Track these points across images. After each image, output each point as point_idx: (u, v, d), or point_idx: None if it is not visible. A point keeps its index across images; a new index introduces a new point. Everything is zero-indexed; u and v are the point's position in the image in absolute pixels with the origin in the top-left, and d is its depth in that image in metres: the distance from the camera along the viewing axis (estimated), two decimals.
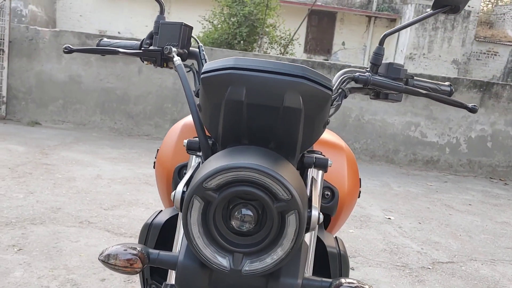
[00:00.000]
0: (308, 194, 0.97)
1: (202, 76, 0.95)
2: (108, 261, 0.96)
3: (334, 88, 1.20)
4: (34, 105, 6.72)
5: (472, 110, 1.29)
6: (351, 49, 17.47)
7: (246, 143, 0.98)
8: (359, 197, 1.41)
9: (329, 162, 1.05)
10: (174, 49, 1.22)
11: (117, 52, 1.36)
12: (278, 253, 0.85)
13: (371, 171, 6.22)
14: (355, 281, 0.90)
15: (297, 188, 0.85)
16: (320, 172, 1.08)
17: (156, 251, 0.97)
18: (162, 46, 1.32)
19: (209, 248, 0.87)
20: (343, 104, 6.56)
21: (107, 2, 15.82)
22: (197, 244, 0.87)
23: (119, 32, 15.51)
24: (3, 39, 6.61)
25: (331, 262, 1.15)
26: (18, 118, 6.77)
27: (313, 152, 1.08)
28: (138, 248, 0.96)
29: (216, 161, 0.86)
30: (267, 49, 10.95)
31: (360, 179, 1.40)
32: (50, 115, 6.74)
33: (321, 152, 1.09)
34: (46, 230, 3.20)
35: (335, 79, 1.24)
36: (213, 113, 0.97)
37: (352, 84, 1.27)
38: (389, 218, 4.36)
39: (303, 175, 1.07)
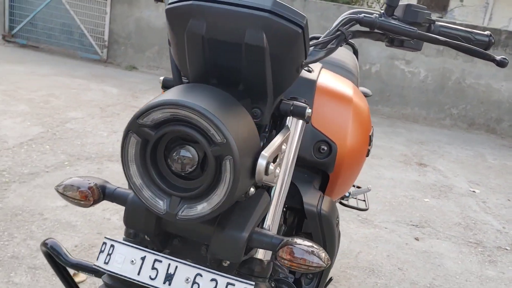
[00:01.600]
0: (278, 143, 0.89)
1: (166, 7, 0.89)
2: (64, 192, 0.96)
3: (331, 29, 1.08)
4: (133, 50, 7.06)
5: (501, 64, 1.07)
6: (471, 6, 15.96)
7: (215, 83, 0.91)
8: (367, 155, 1.27)
9: (307, 110, 0.95)
10: None
11: None
12: (214, 200, 0.79)
13: (466, 140, 5.75)
14: (311, 243, 0.82)
15: (236, 132, 0.77)
16: (300, 121, 0.98)
17: (114, 187, 0.95)
18: None
19: (149, 188, 0.83)
20: (442, 65, 6.07)
21: None
22: (135, 183, 0.83)
23: None
24: None
25: (309, 221, 1.06)
26: (117, 62, 7.17)
27: (295, 99, 0.98)
28: (95, 182, 0.95)
29: (161, 97, 0.80)
30: (368, 3, 10.32)
31: (370, 136, 1.26)
32: (146, 61, 7.05)
33: (306, 100, 0.99)
34: (119, 168, 3.39)
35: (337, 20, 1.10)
36: (178, 48, 0.92)
37: (358, 27, 1.12)
38: (473, 191, 4.01)
39: (281, 124, 0.98)
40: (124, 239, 0.99)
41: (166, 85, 1.02)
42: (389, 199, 3.54)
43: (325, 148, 1.13)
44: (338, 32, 1.07)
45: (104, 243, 0.94)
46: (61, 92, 5.08)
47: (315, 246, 0.83)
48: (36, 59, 6.51)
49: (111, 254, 0.93)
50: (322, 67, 1.30)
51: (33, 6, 6.95)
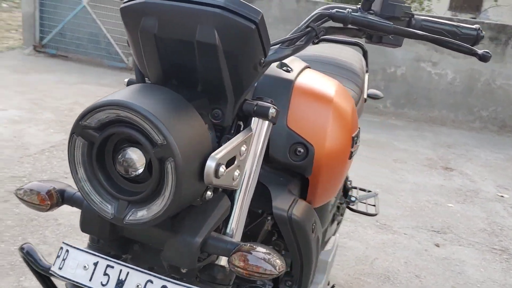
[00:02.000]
0: (234, 145, 0.86)
1: (120, 6, 0.87)
2: (23, 197, 0.96)
3: (300, 25, 1.03)
4: None
5: (483, 58, 1.00)
6: (505, 6, 15.49)
7: (174, 84, 0.89)
8: (350, 158, 1.21)
9: (271, 110, 0.91)
10: None
11: None
12: (159, 204, 0.77)
13: (496, 143, 5.55)
14: (267, 250, 0.78)
15: (179, 133, 0.75)
16: (266, 122, 0.94)
17: (74, 191, 0.94)
18: None
19: (97, 192, 0.81)
20: (470, 66, 5.89)
21: None
22: (83, 187, 0.81)
23: None
24: None
25: (279, 226, 1.03)
26: None
27: (260, 99, 0.95)
28: (54, 186, 0.94)
29: (105, 98, 0.79)
30: None
31: (354, 138, 1.21)
32: None
33: (272, 101, 0.95)
34: None
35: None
36: (136, 48, 0.91)
37: (332, 23, 1.06)
38: (501, 196, 3.86)
39: (246, 125, 0.95)
40: (88, 244, 0.98)
41: (131, 83, 1.01)
42: (411, 204, 3.44)
43: (302, 150, 1.08)
44: (308, 29, 1.01)
45: (61, 248, 0.93)
46: (86, 100, 5.17)
47: (271, 253, 0.80)
48: (64, 68, 6.66)
49: (65, 259, 0.91)
50: (306, 67, 1.26)
51: (61, 17, 7.13)
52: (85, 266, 0.89)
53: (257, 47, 0.86)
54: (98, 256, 0.89)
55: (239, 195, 0.92)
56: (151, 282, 0.84)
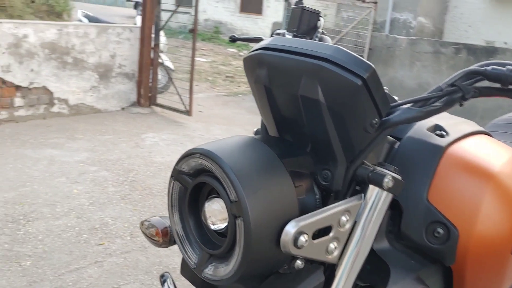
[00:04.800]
0: (329, 214, 0.77)
1: (244, 57, 0.89)
2: (144, 229, 1.02)
3: (443, 83, 0.84)
4: None
5: None
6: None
7: (289, 139, 0.88)
8: None
9: (386, 179, 0.80)
10: (280, 31, 1.15)
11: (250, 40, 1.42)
12: (232, 264, 0.74)
13: None
14: None
15: (255, 192, 0.71)
16: (385, 193, 0.83)
17: None
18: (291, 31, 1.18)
19: (187, 238, 0.83)
20: None
21: (499, 11, 13.43)
22: (177, 231, 0.84)
23: (505, 43, 12.82)
24: (364, 47, 7.21)
25: None
26: None
27: (382, 164, 0.84)
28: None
29: (199, 145, 0.82)
30: None
31: None
32: None
33: (395, 168, 0.83)
34: None
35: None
36: (254, 98, 0.92)
37: (487, 83, 0.86)
38: None
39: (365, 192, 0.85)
40: None
41: (257, 134, 1.05)
42: None
43: (442, 231, 0.90)
44: (453, 88, 0.82)
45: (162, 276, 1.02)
46: None
47: None
48: None
49: None
50: (478, 132, 1.06)
51: None
52: None
53: (366, 106, 0.78)
54: None
55: (338, 272, 0.82)
56: None
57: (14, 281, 2.51)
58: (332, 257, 0.80)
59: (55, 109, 5.44)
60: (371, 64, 0.77)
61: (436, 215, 0.91)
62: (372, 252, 0.92)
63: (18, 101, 5.11)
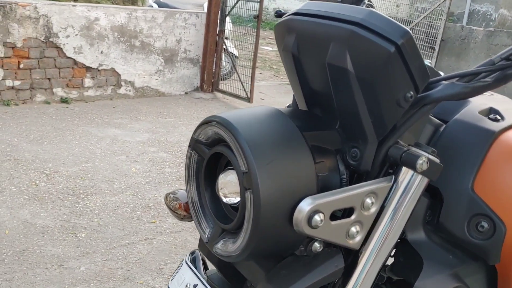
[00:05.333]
0: (351, 194, 0.70)
1: (275, 26, 0.85)
2: (168, 201, 0.99)
3: (494, 57, 0.74)
4: None
5: None
6: None
7: (318, 112, 0.83)
8: None
9: (420, 160, 0.71)
10: None
11: None
12: (240, 240, 0.70)
13: None
14: None
15: (267, 165, 0.66)
16: (419, 176, 0.74)
17: None
18: None
19: (202, 211, 0.80)
20: None
21: None
22: (193, 203, 0.81)
23: None
24: (436, 38, 6.96)
25: None
26: None
27: (419, 145, 0.76)
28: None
29: (217, 114, 0.77)
30: None
31: None
32: None
33: (433, 150, 0.74)
34: None
35: None
36: (284, 68, 0.86)
37: None
38: None
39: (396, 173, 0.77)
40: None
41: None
42: None
43: (486, 225, 0.81)
44: (508, 62, 0.72)
45: (182, 260, 0.98)
46: None
47: None
48: None
49: (177, 272, 0.95)
50: None
51: None
52: (187, 285, 0.90)
53: (399, 76, 0.70)
54: (200, 279, 0.88)
55: (361, 260, 0.76)
56: None
57: (69, 250, 2.62)
58: (353, 242, 0.73)
59: (121, 90, 5.63)
60: (408, 29, 0.69)
61: (481, 207, 0.81)
62: (406, 243, 0.84)
63: (87, 81, 5.34)
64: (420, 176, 0.75)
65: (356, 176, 0.79)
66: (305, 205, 0.66)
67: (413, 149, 0.75)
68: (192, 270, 0.90)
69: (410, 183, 0.75)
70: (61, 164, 3.67)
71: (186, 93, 6.20)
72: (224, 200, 0.74)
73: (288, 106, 0.98)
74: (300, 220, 0.66)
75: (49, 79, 5.07)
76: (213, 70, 6.25)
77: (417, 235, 0.85)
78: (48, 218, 2.91)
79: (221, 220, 0.76)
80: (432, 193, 0.84)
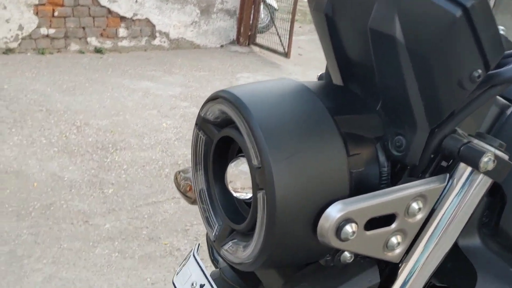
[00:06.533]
0: (395, 197, 0.56)
1: None
2: (179, 180, 0.93)
3: None
4: None
5: None
6: None
7: (355, 88, 0.67)
8: None
9: (485, 157, 0.56)
10: None
11: None
12: (252, 246, 0.57)
13: None
14: None
15: (285, 159, 0.52)
16: (481, 176, 0.59)
17: None
18: None
19: (210, 202, 0.67)
20: None
21: None
22: (201, 192, 0.69)
23: None
24: None
25: None
26: None
27: (482, 137, 0.60)
28: None
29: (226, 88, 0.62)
30: None
31: None
32: None
33: (501, 144, 0.59)
34: None
35: None
36: (316, 29, 0.70)
37: None
38: None
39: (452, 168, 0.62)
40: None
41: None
42: None
43: None
44: None
45: (189, 252, 0.88)
46: None
47: None
48: None
49: (183, 266, 0.85)
50: None
51: None
52: (193, 284, 0.80)
53: (466, 49, 0.53)
54: (207, 279, 0.78)
55: (401, 274, 0.61)
56: None
57: (95, 206, 2.59)
58: (392, 255, 0.59)
59: (156, 42, 5.50)
60: None
61: None
62: (455, 246, 0.69)
63: (122, 31, 5.23)
64: (482, 176, 0.59)
65: (398, 167, 0.64)
66: (334, 212, 0.52)
67: (476, 141, 0.59)
68: (200, 266, 0.78)
69: (469, 184, 0.60)
70: (92, 116, 3.63)
71: (221, 46, 6.02)
72: (234, 194, 0.61)
73: (320, 78, 0.81)
74: (326, 230, 0.52)
75: (83, 28, 4.99)
76: (250, 23, 6.01)
77: (470, 240, 0.70)
78: (76, 172, 2.88)
79: (232, 217, 0.63)
80: (491, 189, 0.67)
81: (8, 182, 2.67)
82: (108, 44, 5.18)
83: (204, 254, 0.92)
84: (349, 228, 0.52)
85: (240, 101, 0.55)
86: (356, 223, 0.53)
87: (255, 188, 0.54)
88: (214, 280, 0.86)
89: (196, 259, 0.80)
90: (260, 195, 0.53)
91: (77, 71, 4.51)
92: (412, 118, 0.59)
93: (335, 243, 0.53)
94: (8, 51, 4.63)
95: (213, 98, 0.61)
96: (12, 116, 3.44)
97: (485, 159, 0.56)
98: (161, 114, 3.85)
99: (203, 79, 4.79)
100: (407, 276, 0.61)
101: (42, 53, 4.78)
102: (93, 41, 5.09)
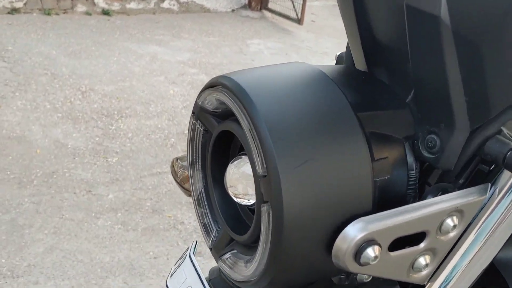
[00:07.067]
0: (427, 213, 0.47)
1: None
2: (176, 168, 0.89)
3: None
4: None
5: None
6: None
7: (382, 78, 0.56)
8: None
9: None
10: None
11: None
12: (254, 263, 0.48)
13: None
14: None
15: (296, 167, 0.43)
16: None
17: None
18: None
19: (208, 204, 0.59)
20: None
21: None
22: (196, 189, 0.60)
23: None
24: None
25: None
26: None
27: None
28: None
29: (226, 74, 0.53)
30: None
31: None
32: None
33: None
34: None
35: None
36: (338, 3, 0.61)
37: None
38: None
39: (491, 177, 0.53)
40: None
41: (339, 63, 0.71)
42: None
43: None
44: None
45: (185, 252, 0.80)
46: None
47: None
48: None
49: (178, 266, 0.77)
50: None
51: None
52: None
53: None
54: (203, 285, 0.70)
55: None
56: None
57: (99, 175, 2.53)
58: (418, 277, 0.50)
59: (165, 4, 5.34)
60: None
61: None
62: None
63: None
64: None
65: (425, 167, 0.54)
66: (354, 232, 0.43)
67: None
68: (196, 270, 0.70)
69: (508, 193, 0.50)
70: (98, 81, 3.53)
71: (232, 10, 5.84)
72: (235, 200, 0.52)
73: (338, 59, 0.71)
74: (343, 253, 0.44)
75: None
76: None
77: (503, 251, 0.61)
78: (80, 139, 2.81)
79: (232, 224, 0.55)
80: None
81: (10, 148, 2.62)
82: (115, 6, 5.03)
83: (203, 246, 0.84)
84: (371, 252, 0.43)
85: (242, 91, 0.45)
86: (380, 245, 0.44)
87: (259, 198, 0.45)
88: (212, 279, 0.79)
89: (192, 261, 0.72)
90: (264, 209, 0.44)
91: (84, 34, 4.39)
92: (450, 115, 0.49)
93: (353, 267, 0.44)
94: (14, 11, 4.50)
95: (211, 85, 0.51)
96: (16, 79, 3.35)
97: None
98: (168, 81, 3.74)
99: (212, 45, 4.65)
100: None
101: (48, 14, 4.65)
102: (101, 2, 4.94)
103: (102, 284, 1.89)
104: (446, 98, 0.49)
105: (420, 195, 0.53)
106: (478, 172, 0.54)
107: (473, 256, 0.52)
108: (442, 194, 0.50)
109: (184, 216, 2.32)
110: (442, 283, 0.52)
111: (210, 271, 0.82)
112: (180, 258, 0.77)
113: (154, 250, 2.10)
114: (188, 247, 0.77)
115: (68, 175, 2.50)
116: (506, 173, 0.50)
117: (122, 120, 3.08)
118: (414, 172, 0.52)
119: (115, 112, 3.16)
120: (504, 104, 0.48)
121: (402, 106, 0.52)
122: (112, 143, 2.82)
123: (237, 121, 0.49)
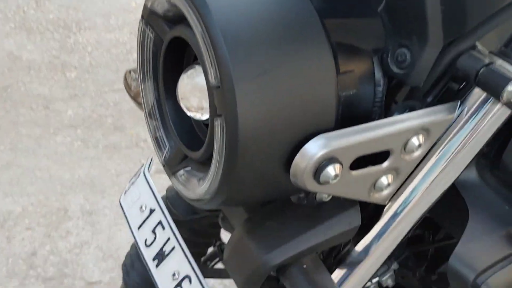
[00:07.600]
0: (394, 130, 0.44)
1: None
2: (129, 81, 0.92)
3: None
4: None
5: None
6: None
7: None
8: None
9: (510, 86, 0.44)
10: None
11: None
12: (207, 179, 0.46)
13: None
14: None
15: (254, 77, 0.39)
16: (499, 106, 0.48)
17: None
18: None
19: (161, 116, 0.57)
20: None
21: None
22: (148, 101, 0.57)
23: None
24: None
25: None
26: None
27: (508, 57, 0.48)
28: None
29: None
30: None
31: None
32: None
33: None
34: None
35: None
36: None
37: None
38: None
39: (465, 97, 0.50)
40: None
41: None
42: None
43: None
44: None
45: (140, 168, 0.76)
46: None
47: None
48: None
49: (132, 183, 0.74)
50: None
51: None
52: (141, 207, 0.70)
53: None
54: (158, 202, 0.67)
55: (386, 216, 0.51)
56: (190, 280, 0.58)
57: (56, 91, 2.42)
58: (379, 196, 0.49)
59: None
60: None
61: None
62: None
63: None
64: (500, 106, 0.48)
65: (392, 83, 0.51)
66: (314, 149, 0.41)
67: (499, 62, 0.46)
68: (150, 187, 0.67)
69: (482, 114, 0.48)
70: None
71: None
72: (188, 114, 0.48)
73: None
74: (302, 171, 0.41)
75: None
76: None
77: (465, 172, 0.60)
78: (35, 51, 2.66)
79: (186, 139, 0.52)
80: None
81: None
82: None
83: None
84: (331, 171, 0.41)
85: None
86: (341, 164, 0.42)
87: (213, 111, 0.42)
88: (169, 197, 0.77)
89: (146, 178, 0.69)
90: (218, 122, 0.40)
91: None
92: (424, 26, 0.45)
93: (312, 186, 0.42)
94: None
95: None
96: None
97: (510, 88, 0.44)
98: None
99: None
100: (392, 218, 0.51)
101: None
102: None
103: (62, 200, 1.86)
104: (421, 8, 0.45)
105: (386, 113, 0.51)
106: (448, 90, 0.51)
107: (435, 176, 0.50)
108: (409, 111, 0.47)
109: (147, 134, 2.28)
110: (402, 203, 0.51)
111: (167, 188, 0.79)
112: (134, 175, 0.74)
113: (117, 168, 2.07)
114: (143, 164, 0.74)
115: (24, 89, 2.38)
116: (476, 91, 0.48)
117: (80, 33, 2.91)
118: (381, 88, 0.49)
119: (73, 24, 2.98)
120: (481, 16, 0.45)
121: (373, 15, 0.48)
122: (70, 57, 2.68)
123: (190, 26, 0.44)
